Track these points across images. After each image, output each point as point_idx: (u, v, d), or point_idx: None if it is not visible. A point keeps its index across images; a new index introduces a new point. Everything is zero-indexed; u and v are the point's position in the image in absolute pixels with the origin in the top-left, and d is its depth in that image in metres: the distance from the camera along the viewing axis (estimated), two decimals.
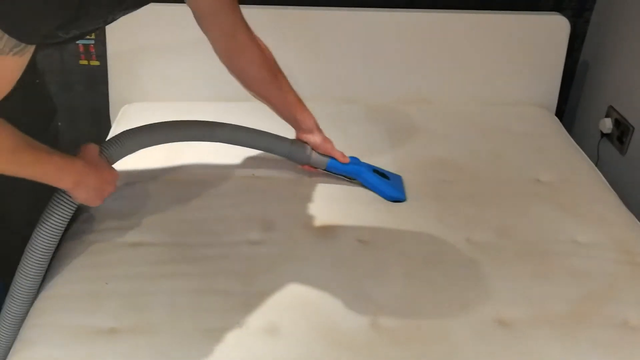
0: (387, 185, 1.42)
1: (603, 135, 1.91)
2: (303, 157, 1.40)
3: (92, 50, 1.92)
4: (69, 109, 2.02)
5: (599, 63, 1.96)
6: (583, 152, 1.68)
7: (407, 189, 1.45)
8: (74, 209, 1.12)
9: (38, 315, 1.09)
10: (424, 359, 1.03)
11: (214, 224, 1.30)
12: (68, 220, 1.12)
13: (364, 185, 1.43)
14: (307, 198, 1.40)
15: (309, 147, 1.40)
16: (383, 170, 1.47)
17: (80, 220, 1.30)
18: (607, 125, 1.87)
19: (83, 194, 1.10)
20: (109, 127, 1.79)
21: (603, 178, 1.56)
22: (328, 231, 1.30)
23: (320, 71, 1.86)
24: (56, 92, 1.98)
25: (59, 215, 1.10)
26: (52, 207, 1.10)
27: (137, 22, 1.75)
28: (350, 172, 1.44)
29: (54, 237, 1.10)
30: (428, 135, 1.71)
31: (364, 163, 1.45)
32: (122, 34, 1.78)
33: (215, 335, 1.05)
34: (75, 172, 1.07)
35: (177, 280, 1.16)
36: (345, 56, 1.85)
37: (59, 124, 2.01)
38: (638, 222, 1.40)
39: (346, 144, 1.58)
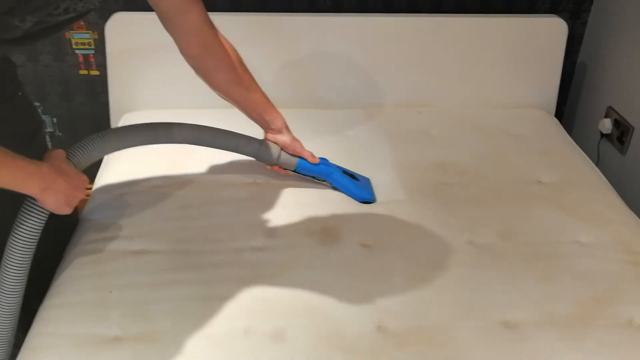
0: (357, 187, 1.42)
1: (603, 135, 1.91)
2: (272, 158, 1.37)
3: (92, 60, 1.93)
4: (70, 119, 2.03)
5: (597, 64, 1.97)
6: (583, 153, 1.68)
7: (410, 192, 1.45)
8: (44, 217, 1.06)
9: (43, 324, 1.09)
10: None
11: (217, 231, 1.30)
12: (40, 229, 1.06)
13: (334, 186, 1.43)
14: (309, 204, 1.40)
15: (278, 147, 1.38)
16: (352, 172, 1.46)
17: (83, 230, 1.30)
18: (606, 125, 1.87)
19: (52, 201, 1.04)
20: None
21: (604, 178, 1.56)
22: (331, 236, 1.30)
23: (322, 76, 1.86)
24: (56, 102, 1.99)
25: (29, 225, 1.05)
26: (22, 218, 1.05)
27: (136, 30, 1.76)
28: (320, 172, 1.42)
29: (27, 247, 1.06)
30: (429, 138, 1.71)
31: (333, 164, 1.44)
32: (121, 43, 1.78)
33: (220, 342, 1.05)
34: (42, 177, 1.02)
35: (181, 287, 1.16)
36: (346, 61, 1.85)
37: (60, 134, 2.03)
38: None
39: (347, 148, 1.58)
